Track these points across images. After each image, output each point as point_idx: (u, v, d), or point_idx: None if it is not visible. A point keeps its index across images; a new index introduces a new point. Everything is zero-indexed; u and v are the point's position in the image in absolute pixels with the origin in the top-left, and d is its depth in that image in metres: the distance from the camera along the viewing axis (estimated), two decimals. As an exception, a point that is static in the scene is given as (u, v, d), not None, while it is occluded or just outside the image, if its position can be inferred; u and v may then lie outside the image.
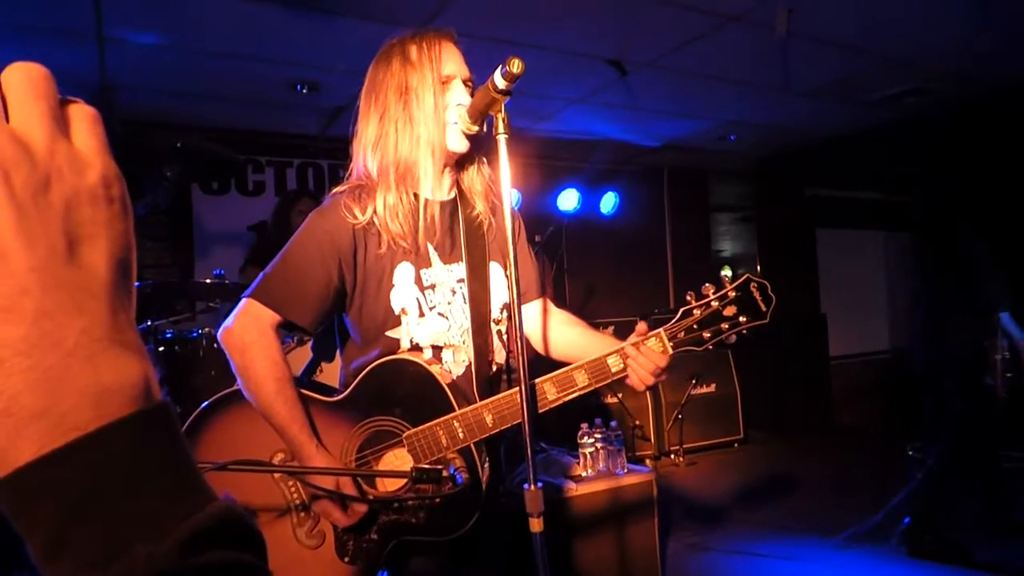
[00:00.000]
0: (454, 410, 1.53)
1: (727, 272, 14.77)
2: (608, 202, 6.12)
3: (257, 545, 0.36)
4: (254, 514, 1.55)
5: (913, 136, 5.94)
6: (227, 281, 3.61)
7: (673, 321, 1.56)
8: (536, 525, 1.31)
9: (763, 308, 1.53)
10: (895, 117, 5.81)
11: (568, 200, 5.68)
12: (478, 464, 1.55)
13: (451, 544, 1.54)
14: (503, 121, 1.35)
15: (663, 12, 3.74)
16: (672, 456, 5.76)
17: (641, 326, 1.56)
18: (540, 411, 1.55)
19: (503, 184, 1.37)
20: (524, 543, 1.35)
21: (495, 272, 1.71)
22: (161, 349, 3.52)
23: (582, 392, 1.54)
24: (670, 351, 1.54)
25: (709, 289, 1.56)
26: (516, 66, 1.27)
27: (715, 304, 1.54)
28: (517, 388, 1.41)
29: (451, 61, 1.60)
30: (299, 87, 4.57)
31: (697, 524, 4.31)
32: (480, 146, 1.66)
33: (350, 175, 1.67)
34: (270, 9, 3.48)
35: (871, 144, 6.32)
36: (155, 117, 4.93)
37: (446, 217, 1.65)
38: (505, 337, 1.74)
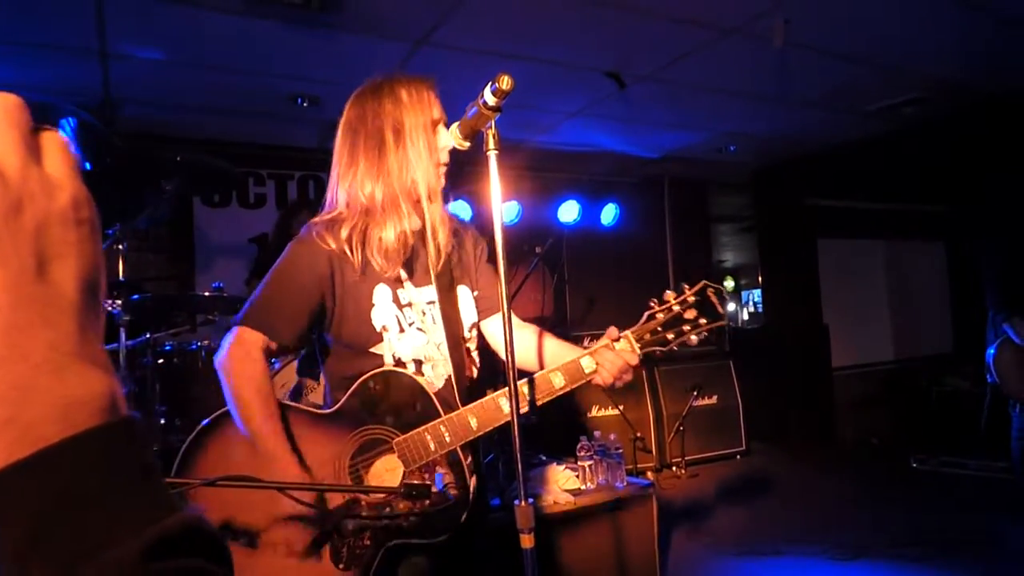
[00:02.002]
0: (441, 416, 1.62)
1: (729, 283, 14.75)
2: (608, 213, 6.13)
3: (221, 555, 0.37)
4: (255, 534, 1.59)
5: (912, 146, 5.95)
6: (226, 294, 3.62)
7: (639, 324, 1.72)
8: (527, 541, 1.31)
9: (720, 310, 1.69)
10: (894, 127, 5.81)
11: (568, 211, 5.69)
12: (464, 467, 1.63)
13: (440, 546, 1.60)
14: (493, 137, 1.36)
15: (661, 25, 3.76)
16: (674, 468, 5.73)
17: (612, 330, 1.70)
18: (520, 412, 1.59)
19: (493, 200, 1.38)
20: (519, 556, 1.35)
21: (463, 294, 1.83)
22: (160, 361, 3.53)
23: (561, 392, 1.65)
24: (638, 351, 1.69)
25: (671, 296, 1.72)
26: (505, 83, 1.28)
27: (676, 308, 1.70)
28: (498, 392, 1.58)
29: (436, 106, 1.73)
30: (299, 100, 4.59)
31: (698, 536, 4.29)
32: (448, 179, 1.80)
33: (325, 205, 1.77)
34: (270, 24, 3.50)
35: (871, 154, 6.32)
36: (157, 130, 4.96)
37: (419, 245, 1.76)
38: (475, 354, 1.85)
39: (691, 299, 1.69)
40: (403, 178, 1.66)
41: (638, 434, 5.64)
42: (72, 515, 0.32)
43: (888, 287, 7.83)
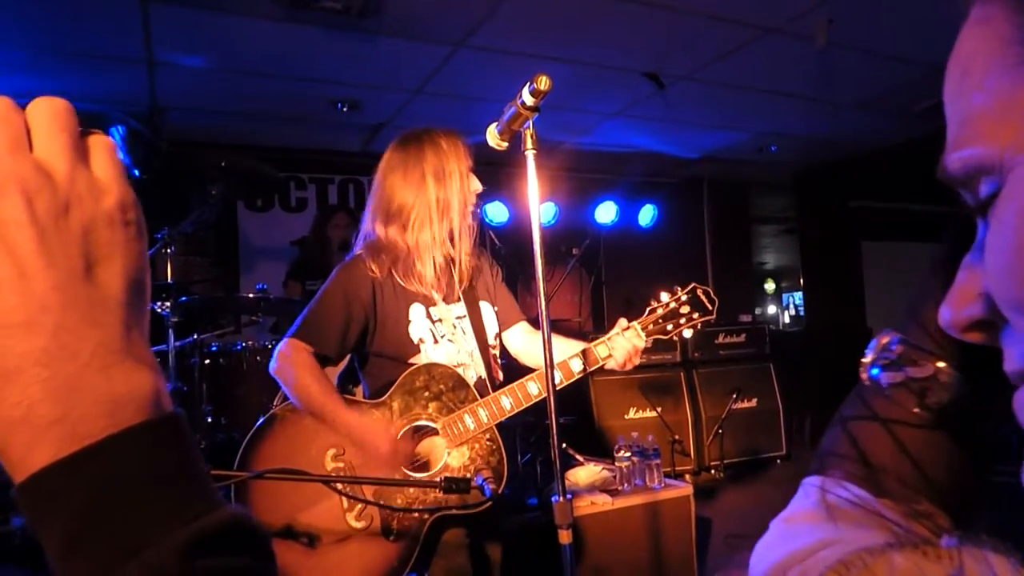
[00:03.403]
0: (478, 400, 1.88)
1: (770, 285, 14.49)
2: (646, 214, 6.09)
3: (266, 552, 0.37)
4: (307, 535, 1.77)
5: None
6: (270, 296, 3.69)
7: (643, 317, 2.03)
8: (565, 537, 1.32)
9: (709, 307, 1.99)
10: (941, 128, 5.65)
11: (606, 212, 5.67)
12: (501, 447, 1.89)
13: (476, 517, 1.83)
14: (531, 137, 1.37)
15: (700, 24, 3.74)
16: (712, 471, 5.66)
17: (622, 321, 1.99)
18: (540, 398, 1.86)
19: (531, 198, 1.40)
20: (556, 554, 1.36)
21: (485, 309, 2.11)
22: (207, 362, 3.62)
23: (579, 376, 1.92)
24: (643, 337, 1.97)
25: (668, 294, 2.02)
26: (543, 83, 1.29)
27: (673, 305, 2.00)
28: (527, 376, 1.88)
29: (469, 156, 1.99)
30: (340, 105, 4.67)
31: (737, 541, 4.23)
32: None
33: (362, 233, 2.00)
34: (311, 31, 3.57)
35: (916, 155, 6.17)
36: (201, 136, 5.09)
37: (448, 270, 2.01)
38: (498, 360, 2.12)
39: (683, 297, 2.00)
40: (440, 215, 1.91)
41: (676, 436, 5.59)
42: (114, 512, 0.33)
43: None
